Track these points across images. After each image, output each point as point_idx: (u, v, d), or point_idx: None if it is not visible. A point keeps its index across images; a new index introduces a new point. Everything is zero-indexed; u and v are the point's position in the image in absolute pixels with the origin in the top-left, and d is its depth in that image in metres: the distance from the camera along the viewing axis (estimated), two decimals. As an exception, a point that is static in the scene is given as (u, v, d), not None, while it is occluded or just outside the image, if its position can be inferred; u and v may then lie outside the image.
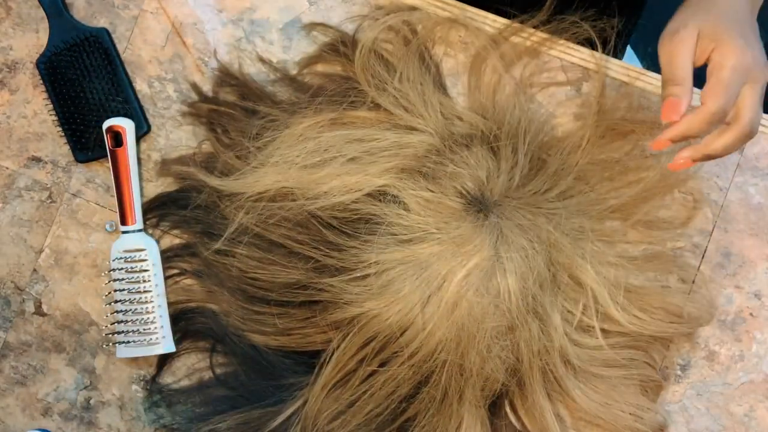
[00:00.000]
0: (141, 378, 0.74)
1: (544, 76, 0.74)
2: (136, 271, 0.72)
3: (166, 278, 0.73)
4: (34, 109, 0.78)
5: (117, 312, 0.72)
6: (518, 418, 0.69)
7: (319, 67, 0.76)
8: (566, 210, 0.67)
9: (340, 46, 0.74)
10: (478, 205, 0.65)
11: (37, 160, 0.77)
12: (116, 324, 0.72)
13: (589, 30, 0.71)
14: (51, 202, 0.77)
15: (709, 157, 0.58)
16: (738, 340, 0.71)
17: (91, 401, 0.75)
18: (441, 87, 0.74)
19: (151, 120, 0.77)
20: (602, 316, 0.67)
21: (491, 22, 0.75)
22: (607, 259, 0.68)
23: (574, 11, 0.71)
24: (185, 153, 0.76)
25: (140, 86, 0.77)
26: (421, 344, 0.64)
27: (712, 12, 0.57)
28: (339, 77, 0.74)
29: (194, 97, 0.76)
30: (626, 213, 0.71)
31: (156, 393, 0.73)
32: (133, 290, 0.72)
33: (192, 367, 0.73)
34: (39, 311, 0.76)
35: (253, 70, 0.76)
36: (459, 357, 0.64)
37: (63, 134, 0.76)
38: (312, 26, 0.76)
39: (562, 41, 0.74)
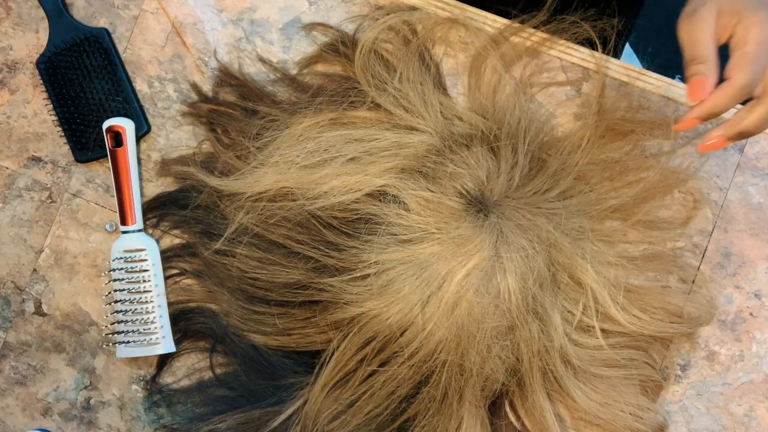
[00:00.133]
0: (141, 378, 0.74)
1: (544, 76, 0.74)
2: (136, 271, 0.72)
3: (166, 278, 0.73)
4: (34, 109, 0.78)
5: (117, 312, 0.72)
6: (518, 418, 0.69)
7: (319, 67, 0.76)
8: (566, 210, 0.67)
9: (340, 46, 0.74)
10: (478, 205, 0.65)
11: (37, 160, 0.77)
12: (116, 324, 0.72)
13: (589, 30, 0.71)
14: (51, 202, 0.77)
15: (742, 135, 0.57)
16: (738, 340, 0.71)
17: (91, 401, 0.75)
18: (441, 87, 0.74)
19: (151, 120, 0.77)
20: (602, 316, 0.67)
21: (491, 22, 0.75)
22: (607, 259, 0.68)
23: (574, 11, 0.71)
24: (185, 153, 0.76)
25: (140, 86, 0.77)
26: (421, 344, 0.64)
27: None
28: (339, 77, 0.74)
29: (194, 97, 0.76)
30: (626, 213, 0.71)
31: (156, 393, 0.73)
32: (133, 290, 0.72)
33: (192, 367, 0.73)
34: (39, 311, 0.76)
35: (253, 70, 0.76)
36: (459, 357, 0.64)
37: (63, 134, 0.76)
38: (312, 26, 0.76)
39: (562, 41, 0.74)
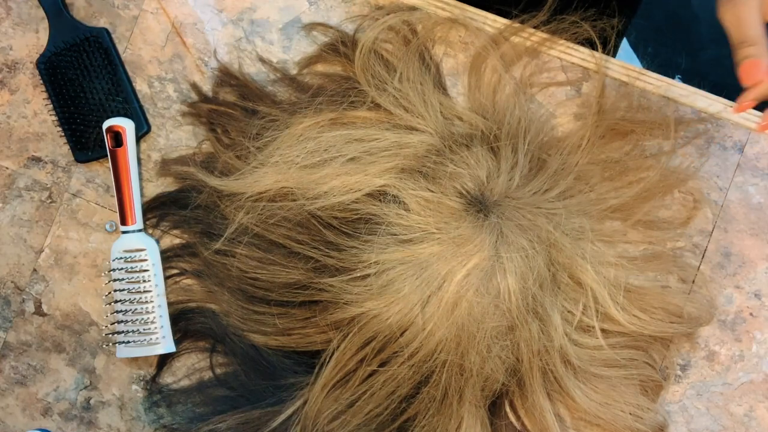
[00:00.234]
0: (141, 378, 0.74)
1: (544, 76, 0.74)
2: (136, 271, 0.72)
3: (166, 278, 0.73)
4: (34, 109, 0.78)
5: (117, 312, 0.72)
6: (518, 418, 0.69)
7: (319, 67, 0.76)
8: (566, 210, 0.67)
9: (340, 46, 0.74)
10: (478, 205, 0.65)
11: (37, 160, 0.77)
12: (116, 324, 0.72)
13: (589, 30, 0.71)
14: (51, 202, 0.77)
15: None
16: (738, 340, 0.71)
17: (91, 401, 0.75)
18: (441, 87, 0.74)
19: (151, 120, 0.77)
20: (602, 316, 0.67)
21: (491, 22, 0.75)
22: (607, 259, 0.68)
23: (574, 11, 0.71)
24: (185, 153, 0.76)
25: (140, 86, 0.77)
26: (421, 344, 0.64)
27: None
28: (339, 77, 0.74)
29: (194, 97, 0.76)
30: (626, 213, 0.71)
31: (156, 393, 0.73)
32: (133, 290, 0.72)
33: (192, 367, 0.73)
34: (39, 311, 0.76)
35: (253, 70, 0.76)
36: (459, 357, 0.64)
37: (63, 134, 0.76)
38: (312, 26, 0.76)
39: (562, 41, 0.74)
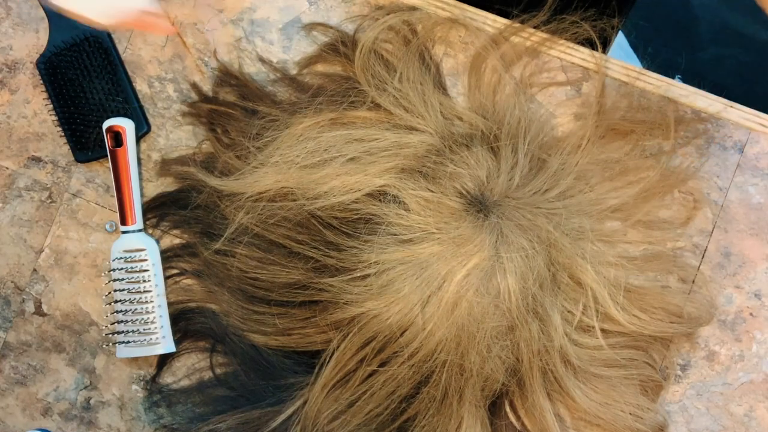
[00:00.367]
0: (141, 378, 0.74)
1: (544, 76, 0.74)
2: (136, 271, 0.72)
3: (166, 278, 0.73)
4: (34, 109, 0.78)
5: (117, 312, 0.72)
6: (518, 418, 0.69)
7: (319, 67, 0.76)
8: (566, 210, 0.67)
9: (340, 46, 0.74)
10: (478, 205, 0.65)
11: (37, 160, 0.77)
12: (116, 324, 0.72)
13: (589, 30, 0.71)
14: (51, 202, 0.77)
15: None
16: (738, 340, 0.71)
17: (91, 401, 0.75)
18: (441, 87, 0.74)
19: (151, 120, 0.77)
20: (602, 316, 0.67)
21: (491, 22, 0.75)
22: (607, 259, 0.68)
23: (574, 11, 0.71)
24: (185, 153, 0.76)
25: (140, 86, 0.77)
26: (421, 344, 0.64)
27: None
28: (339, 77, 0.74)
29: (194, 97, 0.76)
30: (626, 213, 0.71)
31: (156, 393, 0.73)
32: (133, 290, 0.72)
33: (192, 367, 0.73)
34: (39, 311, 0.76)
35: (253, 70, 0.76)
36: (459, 357, 0.64)
37: (63, 134, 0.76)
38: (312, 26, 0.76)
39: (562, 41, 0.74)
